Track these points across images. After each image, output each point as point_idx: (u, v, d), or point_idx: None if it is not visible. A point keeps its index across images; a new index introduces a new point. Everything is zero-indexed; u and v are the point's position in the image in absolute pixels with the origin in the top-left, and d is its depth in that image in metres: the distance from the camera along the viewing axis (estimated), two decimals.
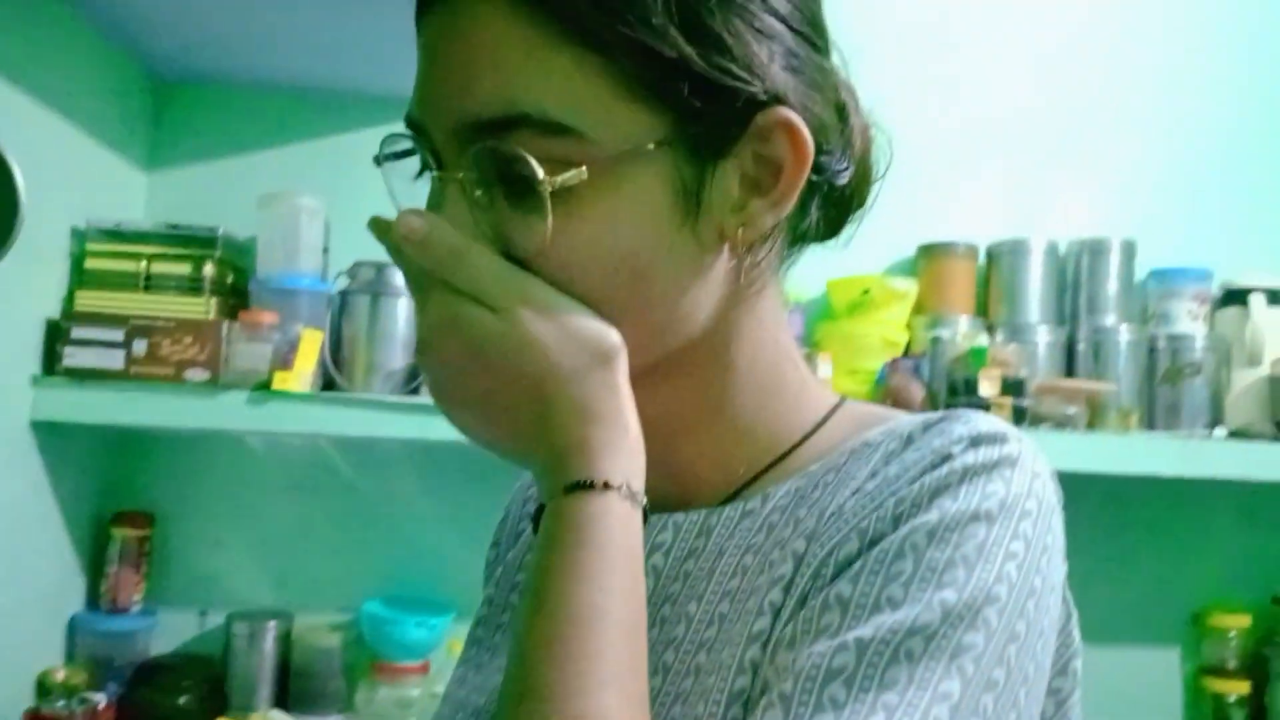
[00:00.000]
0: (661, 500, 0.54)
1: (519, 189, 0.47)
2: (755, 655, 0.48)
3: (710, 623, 0.51)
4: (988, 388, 1.33)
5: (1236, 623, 1.60)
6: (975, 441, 0.50)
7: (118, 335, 1.28)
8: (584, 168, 0.47)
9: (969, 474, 0.49)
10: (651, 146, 0.48)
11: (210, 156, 1.59)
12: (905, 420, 0.54)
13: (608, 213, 0.48)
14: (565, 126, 0.47)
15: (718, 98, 0.48)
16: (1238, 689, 1.57)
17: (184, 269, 1.36)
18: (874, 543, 0.48)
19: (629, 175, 0.48)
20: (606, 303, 0.49)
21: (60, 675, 1.40)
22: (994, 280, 1.62)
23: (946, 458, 0.49)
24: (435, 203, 0.51)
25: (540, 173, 0.46)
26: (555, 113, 0.46)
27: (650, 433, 0.50)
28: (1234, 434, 1.49)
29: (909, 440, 0.52)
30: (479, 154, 0.48)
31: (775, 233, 0.53)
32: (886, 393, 1.42)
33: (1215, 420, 1.53)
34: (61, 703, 1.35)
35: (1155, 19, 1.74)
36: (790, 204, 0.51)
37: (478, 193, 0.49)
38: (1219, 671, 1.59)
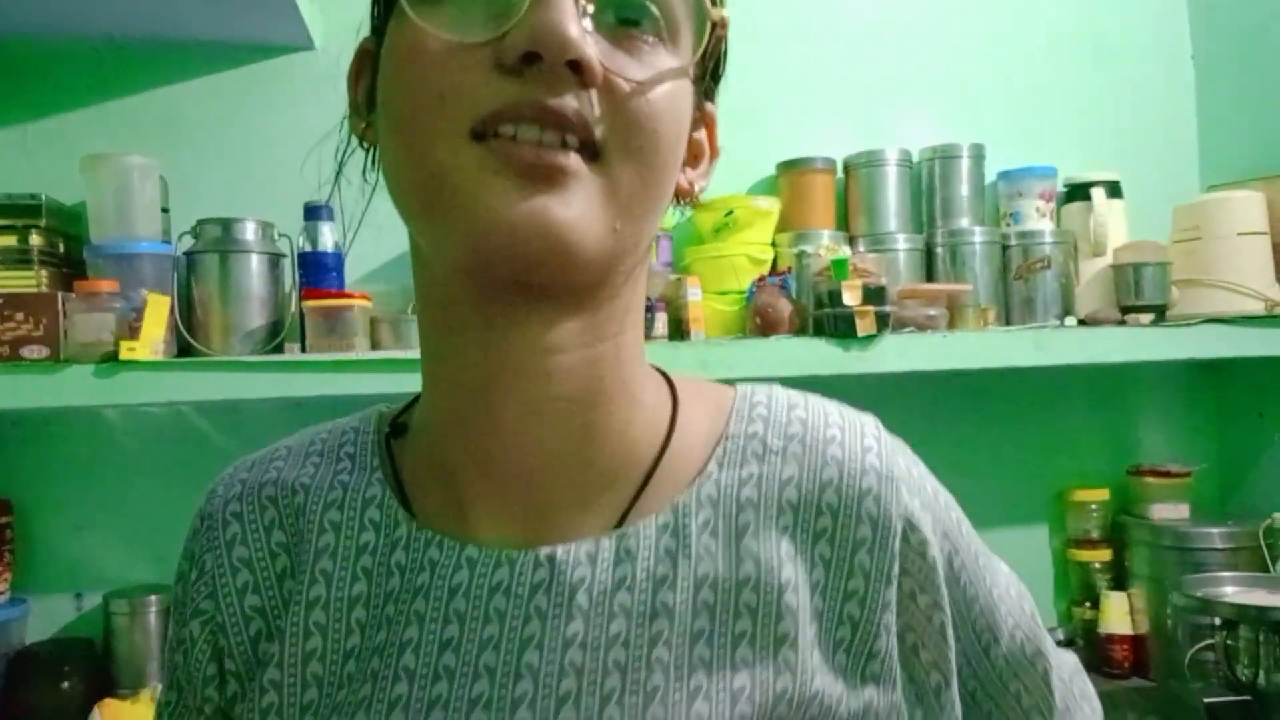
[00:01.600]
0: (547, 509, 0.51)
1: (636, 25, 0.47)
2: (783, 712, 0.48)
3: (690, 666, 0.48)
4: (851, 297, 1.36)
5: (1097, 496, 1.70)
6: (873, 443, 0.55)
7: None
8: (723, 13, 0.50)
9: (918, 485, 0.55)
10: (692, 73, 0.50)
11: (26, 118, 1.48)
12: (729, 398, 0.56)
13: (681, 96, 0.49)
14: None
15: (715, 39, 0.51)
16: (1101, 556, 1.68)
17: (8, 240, 1.28)
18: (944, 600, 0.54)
19: (686, 80, 0.50)
20: (660, 169, 0.48)
21: None
22: (852, 193, 1.64)
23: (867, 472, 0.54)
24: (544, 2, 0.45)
25: (708, 7, 0.48)
26: None
27: (570, 409, 0.50)
28: (1083, 322, 1.56)
29: (763, 441, 0.54)
30: None
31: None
32: (755, 311, 1.44)
33: (1066, 310, 1.60)
34: None
35: None
36: (701, 190, 0.55)
37: (595, 14, 0.46)
38: (1083, 543, 1.70)
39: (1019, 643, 0.59)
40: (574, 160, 0.44)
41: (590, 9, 0.45)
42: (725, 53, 0.55)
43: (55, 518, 1.51)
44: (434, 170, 0.45)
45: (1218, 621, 1.37)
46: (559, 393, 0.49)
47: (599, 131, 0.45)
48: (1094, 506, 1.70)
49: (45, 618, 1.50)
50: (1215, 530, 1.58)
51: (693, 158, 0.54)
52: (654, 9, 0.47)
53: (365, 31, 0.54)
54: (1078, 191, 1.67)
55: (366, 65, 0.53)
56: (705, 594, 0.49)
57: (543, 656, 0.48)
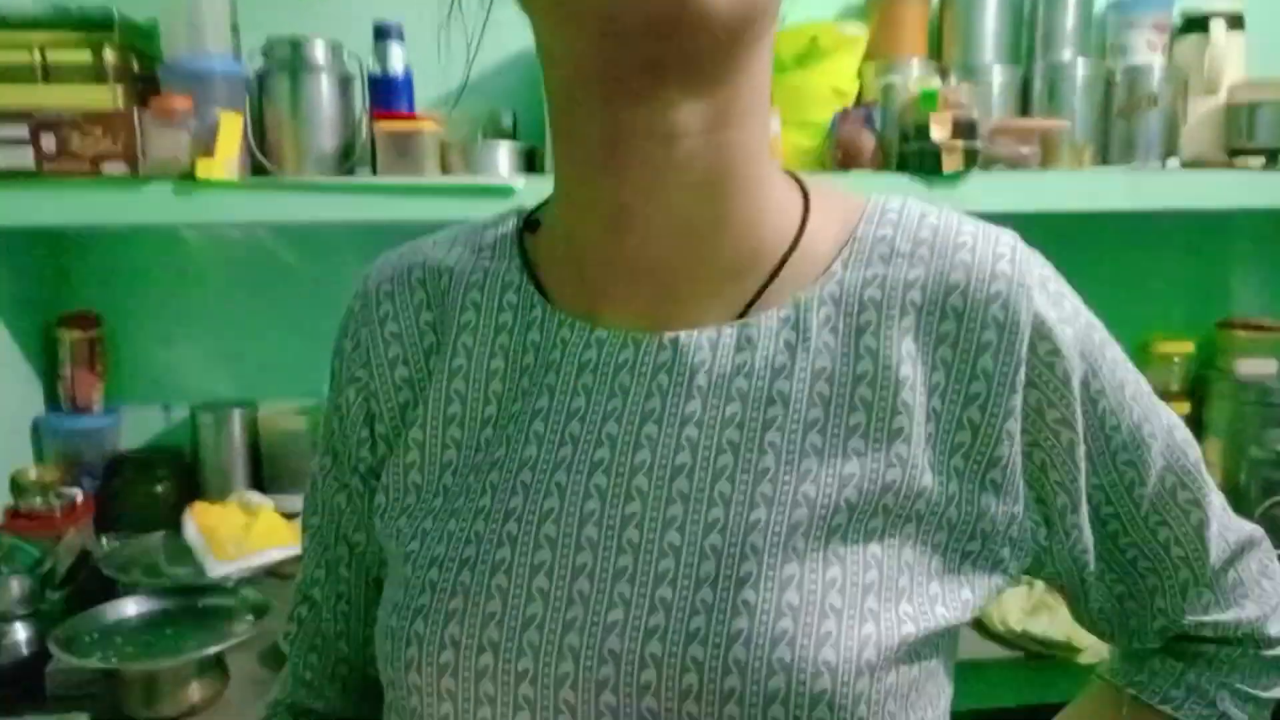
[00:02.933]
0: (669, 294, 0.52)
1: None
2: (889, 503, 0.49)
3: (802, 452, 0.50)
4: (939, 131, 1.30)
5: (1180, 349, 1.65)
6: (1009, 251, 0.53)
7: (22, 131, 1.21)
8: None
9: (1057, 297, 0.53)
10: None
11: None
12: (860, 203, 0.55)
13: None
14: None
15: None
16: (1180, 409, 1.63)
17: (83, 55, 1.27)
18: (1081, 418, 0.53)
19: None
20: None
21: (33, 474, 1.42)
22: (948, 20, 1.54)
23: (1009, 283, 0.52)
24: None
25: None
26: None
27: (697, 198, 0.50)
28: (1187, 165, 1.47)
29: (891, 244, 0.53)
30: None
31: None
32: (837, 144, 1.38)
33: (1170, 152, 1.50)
34: (39, 499, 1.37)
35: None
36: None
37: None
38: (1163, 395, 1.65)
39: (1169, 487, 0.58)
40: None
41: None
42: None
43: (141, 332, 1.57)
44: None
45: None
46: (686, 180, 0.49)
47: None
48: (1177, 359, 1.65)
49: (137, 427, 1.58)
50: None
51: None
52: None
53: None
54: (1195, 23, 1.53)
55: None
56: (821, 387, 0.50)
57: (661, 430, 0.51)
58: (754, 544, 0.48)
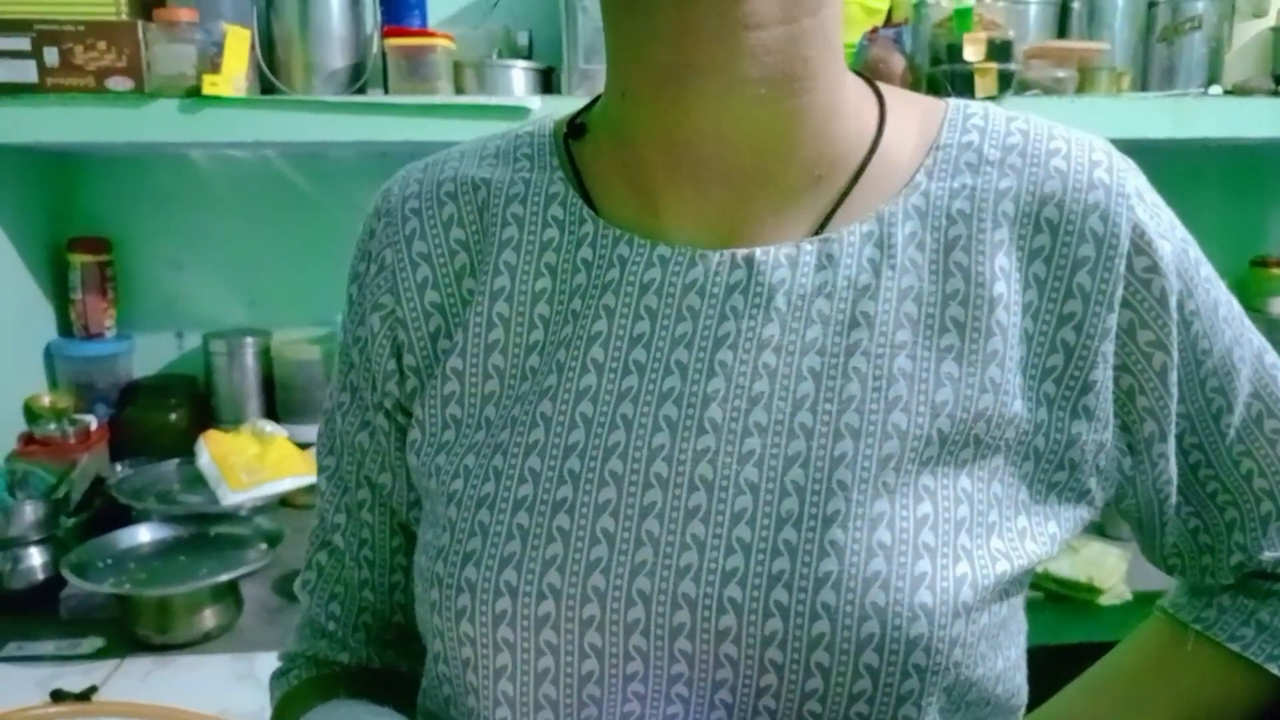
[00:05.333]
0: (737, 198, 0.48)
1: None
2: (980, 431, 0.46)
3: (890, 378, 0.46)
4: (973, 53, 1.24)
5: None
6: (1104, 158, 0.49)
7: (24, 43, 1.17)
8: None
9: (1154, 209, 0.50)
10: None
11: None
12: (940, 108, 0.51)
13: None
14: None
15: None
16: None
17: None
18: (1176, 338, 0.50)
19: None
20: None
21: (46, 400, 1.42)
22: None
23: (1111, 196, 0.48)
24: None
25: None
26: None
27: (771, 94, 0.46)
28: (1230, 92, 1.41)
29: (978, 151, 0.49)
30: None
31: None
32: (865, 66, 1.33)
33: (1213, 79, 1.44)
34: (53, 425, 1.37)
35: None
36: None
37: None
38: None
39: (1255, 415, 0.54)
40: None
41: None
42: None
43: (152, 257, 1.54)
44: None
45: None
46: (759, 74, 0.45)
47: None
48: None
49: (150, 354, 1.56)
50: None
51: None
52: None
53: None
54: None
55: None
56: (909, 307, 0.47)
57: (736, 356, 0.47)
58: (841, 479, 0.44)
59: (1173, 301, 0.49)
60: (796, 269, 0.47)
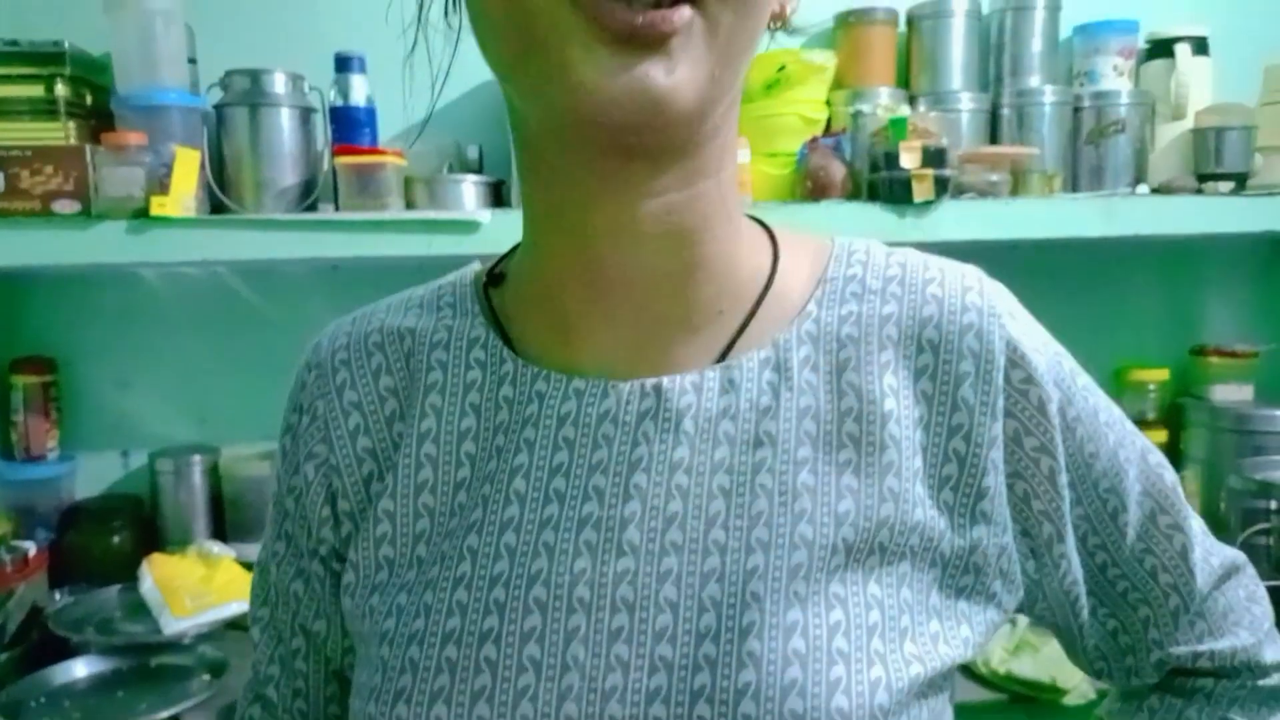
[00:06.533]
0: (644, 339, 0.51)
1: None
2: (884, 539, 0.48)
3: (795, 492, 0.49)
4: (909, 160, 1.28)
5: (1155, 376, 1.64)
6: (974, 285, 0.53)
7: None
8: None
9: (1027, 331, 0.53)
10: None
11: None
12: (827, 245, 0.55)
13: None
14: None
15: None
16: (1156, 438, 1.62)
17: (34, 90, 1.24)
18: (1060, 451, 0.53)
19: None
20: (755, 8, 0.45)
21: None
22: (915, 48, 1.54)
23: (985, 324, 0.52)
24: None
25: None
26: None
27: (674, 244, 0.49)
28: (1156, 190, 1.47)
29: (862, 282, 0.53)
30: None
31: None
32: (807, 174, 1.37)
33: (1139, 178, 1.50)
34: None
35: None
36: (793, 11, 0.52)
37: None
38: (1139, 423, 1.63)
39: (1149, 512, 0.58)
40: (675, 16, 0.42)
41: None
42: None
43: (98, 376, 1.52)
44: (528, 31, 0.43)
45: (1274, 505, 1.33)
46: (662, 230, 0.49)
47: None
48: (1152, 387, 1.64)
49: (94, 475, 1.53)
50: (1278, 412, 1.52)
51: None
52: None
53: None
54: (1160, 48, 1.54)
55: None
56: (808, 425, 0.49)
57: (650, 479, 0.49)
58: (755, 591, 0.46)
59: (1052, 409, 0.52)
60: (702, 394, 0.50)
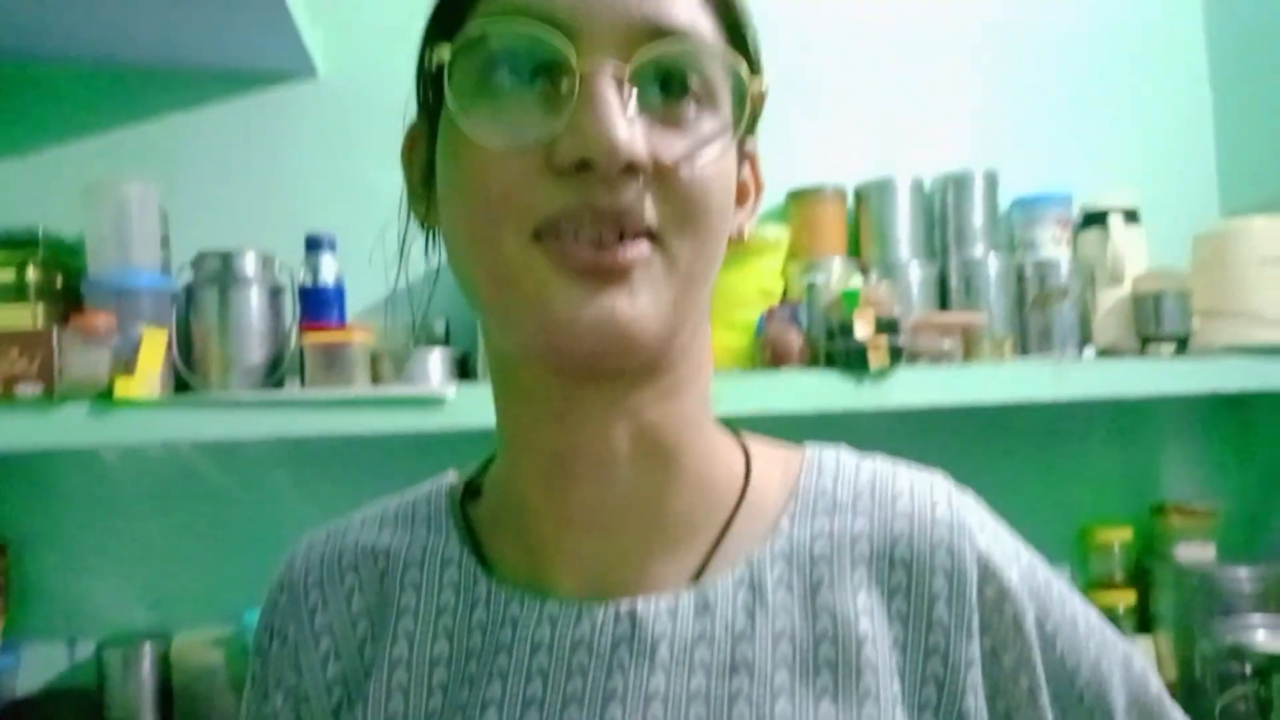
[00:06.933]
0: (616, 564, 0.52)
1: (679, 98, 0.47)
2: None
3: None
4: (863, 329, 1.33)
5: (1119, 535, 1.64)
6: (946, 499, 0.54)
7: None
8: (762, 88, 0.50)
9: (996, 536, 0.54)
10: (731, 125, 0.50)
11: (28, 146, 1.46)
12: (798, 456, 0.57)
13: (727, 156, 0.49)
14: (725, 63, 0.48)
15: (753, 109, 0.51)
16: (1125, 599, 1.62)
17: (6, 275, 1.25)
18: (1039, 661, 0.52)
19: (729, 137, 0.49)
20: (714, 233, 0.48)
21: None
22: (863, 221, 1.61)
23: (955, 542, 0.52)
24: (591, 102, 0.45)
25: (747, 77, 0.48)
26: (720, 50, 0.48)
27: (646, 463, 0.50)
28: (1102, 353, 1.52)
29: (832, 496, 0.54)
30: (661, 58, 0.46)
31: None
32: (765, 343, 1.41)
33: (1085, 340, 1.56)
34: None
35: None
36: (750, 231, 0.55)
37: (639, 92, 0.46)
38: (1107, 584, 1.64)
39: None
40: (633, 251, 0.45)
41: (633, 95, 0.45)
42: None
43: (48, 559, 1.47)
44: (500, 269, 0.46)
45: (1249, 669, 1.32)
46: (636, 448, 0.50)
47: (654, 215, 0.46)
48: (1117, 546, 1.64)
49: (38, 666, 1.46)
50: (1244, 572, 1.52)
51: (739, 196, 0.54)
52: (694, 83, 0.47)
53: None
54: (1094, 219, 1.63)
55: (419, 145, 0.54)
56: (784, 648, 0.49)
57: (625, 710, 0.48)
58: None
59: (1028, 623, 0.52)
60: (676, 619, 0.50)
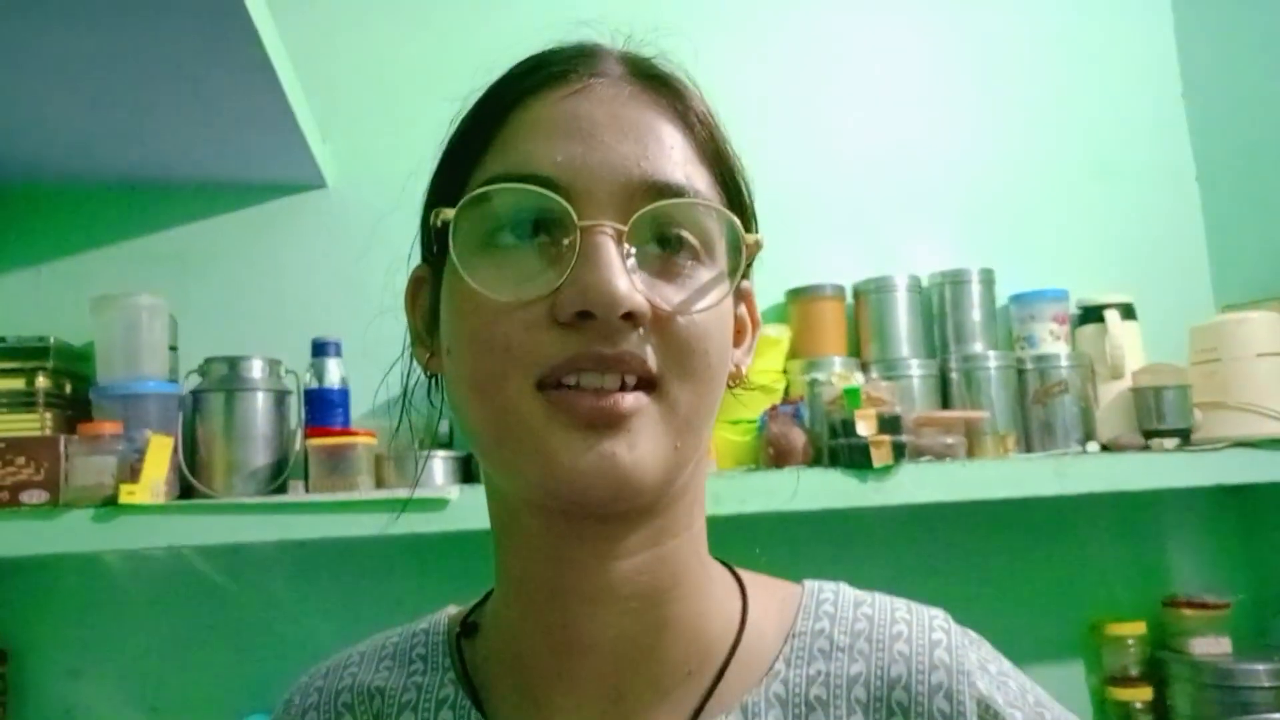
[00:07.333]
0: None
1: (675, 251, 0.49)
2: None
3: None
4: (865, 428, 1.33)
5: (1133, 630, 1.62)
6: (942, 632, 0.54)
7: None
8: (757, 238, 0.52)
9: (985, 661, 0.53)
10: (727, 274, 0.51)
11: (40, 258, 1.50)
12: (796, 594, 0.57)
13: (724, 302, 0.50)
14: (720, 216, 0.50)
15: (748, 257, 0.52)
16: (1142, 695, 1.59)
17: (15, 383, 1.27)
18: None
19: (726, 284, 0.51)
20: (713, 377, 0.49)
21: None
22: (863, 319, 1.63)
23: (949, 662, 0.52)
24: (591, 256, 0.47)
25: (741, 232, 0.50)
26: (715, 205, 0.50)
27: (643, 605, 0.50)
28: (1106, 447, 1.52)
29: (829, 638, 0.54)
30: (657, 215, 0.48)
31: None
32: (768, 441, 1.41)
33: (1088, 435, 1.56)
34: None
35: (991, 62, 1.82)
36: (747, 368, 0.56)
37: (637, 248, 0.48)
38: (1122, 680, 1.61)
39: None
40: (632, 399, 0.46)
41: (632, 251, 0.47)
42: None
43: (49, 664, 1.46)
44: (504, 417, 0.47)
45: None
46: (631, 591, 0.50)
47: (655, 362, 0.47)
48: (1131, 641, 1.62)
49: None
50: (1261, 667, 1.50)
51: (736, 335, 0.55)
52: (692, 237, 0.49)
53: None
54: (1091, 314, 1.65)
55: (423, 291, 0.56)
56: None
57: None
58: None
59: None
60: None
